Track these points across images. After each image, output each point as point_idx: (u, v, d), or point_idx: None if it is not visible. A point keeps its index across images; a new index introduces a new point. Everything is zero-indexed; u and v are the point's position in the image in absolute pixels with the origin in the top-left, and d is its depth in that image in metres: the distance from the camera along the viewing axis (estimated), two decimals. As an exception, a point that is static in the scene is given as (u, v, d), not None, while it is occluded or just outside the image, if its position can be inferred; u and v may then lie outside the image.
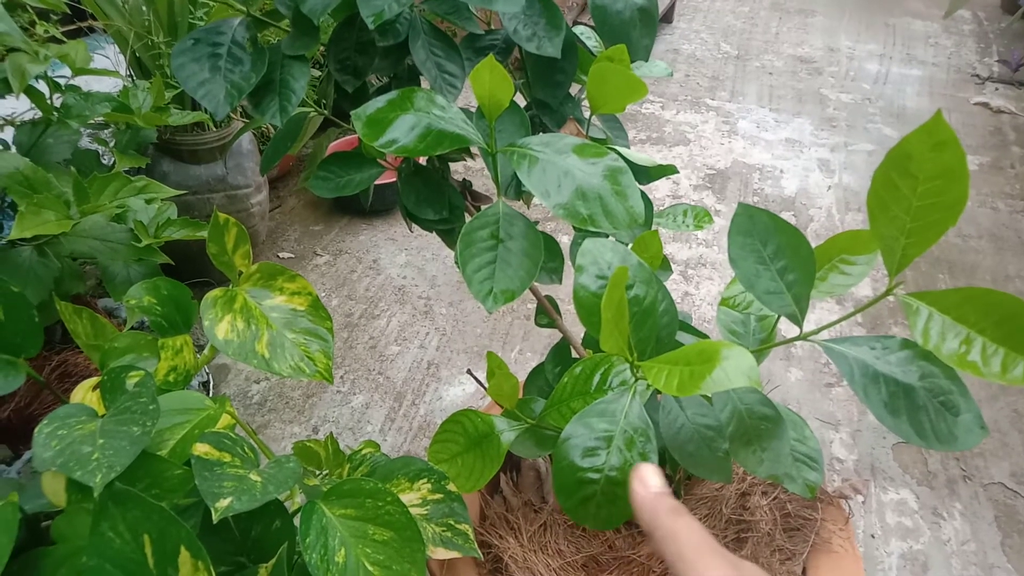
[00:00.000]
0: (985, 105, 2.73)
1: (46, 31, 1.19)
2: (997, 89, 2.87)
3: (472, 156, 0.80)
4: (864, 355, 0.51)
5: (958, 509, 1.21)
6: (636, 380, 0.51)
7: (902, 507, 1.22)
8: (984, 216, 2.05)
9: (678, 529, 0.37)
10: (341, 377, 1.43)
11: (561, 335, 0.76)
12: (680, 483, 0.74)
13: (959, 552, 1.15)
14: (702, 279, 1.75)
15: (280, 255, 1.77)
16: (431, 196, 0.68)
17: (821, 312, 1.65)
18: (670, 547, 0.37)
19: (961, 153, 0.43)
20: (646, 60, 0.70)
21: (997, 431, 1.37)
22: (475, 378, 0.82)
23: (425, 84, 0.65)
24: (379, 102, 0.56)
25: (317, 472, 0.75)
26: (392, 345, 1.51)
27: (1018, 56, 2.94)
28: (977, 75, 2.99)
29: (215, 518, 0.46)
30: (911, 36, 3.41)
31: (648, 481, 0.42)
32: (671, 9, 3.42)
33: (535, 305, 0.75)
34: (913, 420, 0.49)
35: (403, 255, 1.78)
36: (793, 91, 2.81)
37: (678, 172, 0.72)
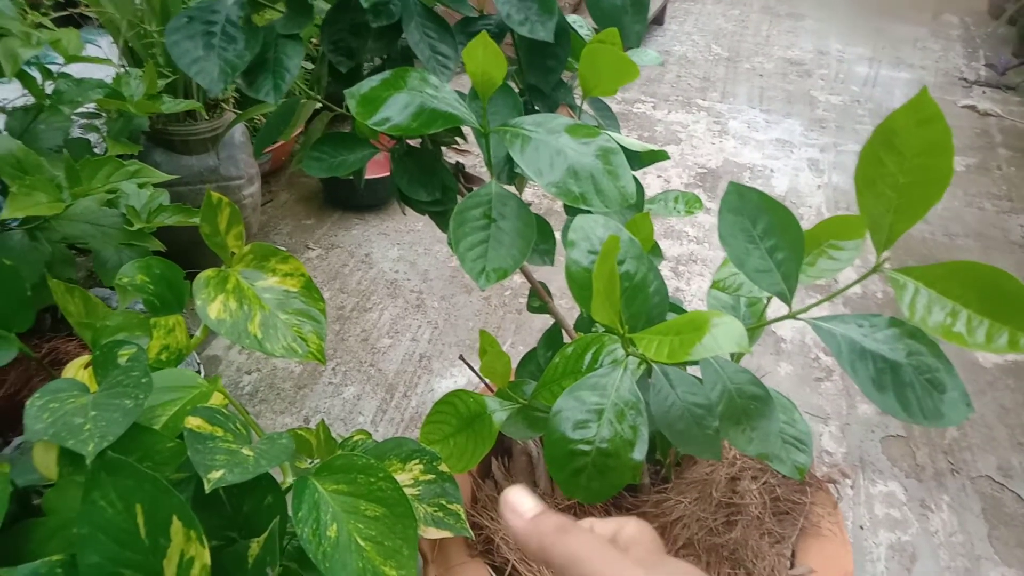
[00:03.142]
0: (972, 108, 2.76)
1: (37, 20, 1.19)
2: (984, 92, 2.90)
3: (465, 145, 0.81)
4: (852, 332, 0.52)
5: (946, 501, 1.23)
6: (627, 356, 0.51)
7: (891, 499, 1.22)
8: (971, 215, 2.07)
9: (576, 549, 0.31)
10: (333, 369, 1.43)
11: (553, 323, 0.76)
12: (670, 467, 0.74)
13: (947, 543, 1.16)
14: (693, 275, 1.76)
15: (271, 249, 1.76)
16: (424, 177, 0.68)
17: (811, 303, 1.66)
18: (575, 571, 0.31)
19: (946, 129, 0.44)
20: (637, 46, 0.70)
21: (984, 425, 1.38)
22: (467, 364, 0.82)
23: (419, 67, 0.66)
24: (373, 81, 0.56)
25: (309, 460, 0.75)
26: (384, 338, 1.51)
27: (1004, 60, 2.97)
28: (964, 79, 3.03)
29: (207, 488, 0.46)
30: (899, 40, 3.44)
31: (520, 507, 0.35)
32: (662, 11, 3.43)
33: (526, 299, 0.76)
34: (900, 396, 0.50)
35: (395, 249, 1.78)
36: (783, 92, 2.83)
37: (669, 158, 0.73)
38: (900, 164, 0.46)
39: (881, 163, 0.47)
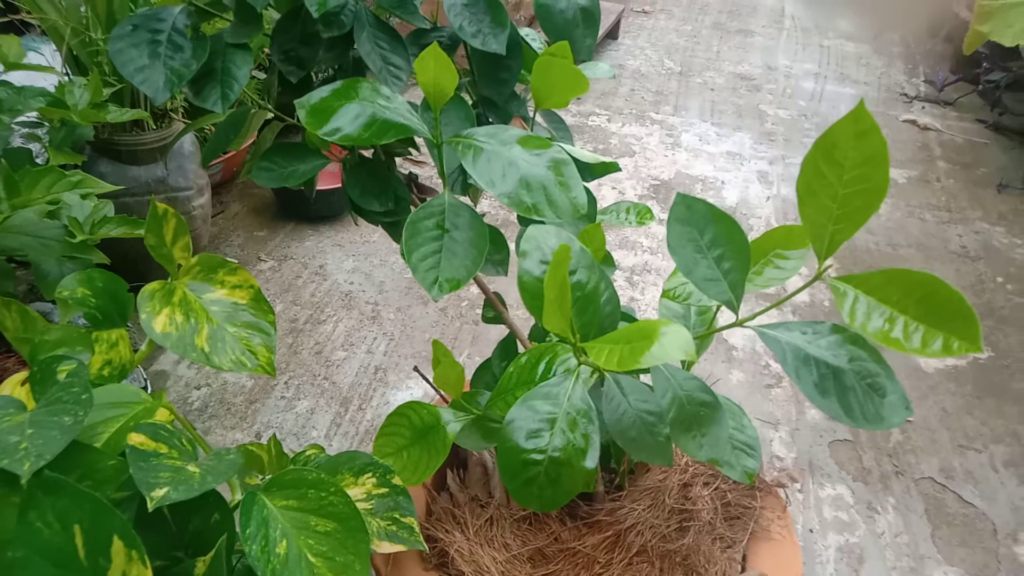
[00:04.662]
0: (913, 122, 2.86)
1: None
2: (924, 108, 3.01)
3: (420, 157, 0.81)
4: (796, 339, 0.53)
5: (891, 503, 1.26)
6: (580, 365, 0.52)
7: (838, 502, 1.26)
8: (913, 226, 2.14)
9: None
10: (285, 383, 1.40)
11: (508, 333, 0.77)
12: (624, 475, 0.75)
13: (892, 544, 1.19)
14: (647, 285, 1.79)
15: (223, 261, 1.73)
16: (377, 188, 0.68)
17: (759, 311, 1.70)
18: None
19: (882, 141, 0.46)
20: (588, 59, 0.71)
21: (927, 428, 1.43)
22: (422, 375, 0.82)
23: (371, 78, 0.65)
24: (324, 91, 0.56)
25: (260, 476, 0.73)
26: (338, 350, 1.50)
27: (942, 76, 3.10)
28: (905, 94, 3.14)
29: (150, 507, 0.44)
30: (844, 57, 3.56)
31: None
32: (616, 26, 3.49)
33: (482, 310, 0.76)
34: (842, 400, 0.51)
35: (350, 261, 1.76)
36: (734, 107, 2.90)
37: (620, 170, 0.74)
38: (839, 175, 0.47)
39: (821, 175, 0.48)
